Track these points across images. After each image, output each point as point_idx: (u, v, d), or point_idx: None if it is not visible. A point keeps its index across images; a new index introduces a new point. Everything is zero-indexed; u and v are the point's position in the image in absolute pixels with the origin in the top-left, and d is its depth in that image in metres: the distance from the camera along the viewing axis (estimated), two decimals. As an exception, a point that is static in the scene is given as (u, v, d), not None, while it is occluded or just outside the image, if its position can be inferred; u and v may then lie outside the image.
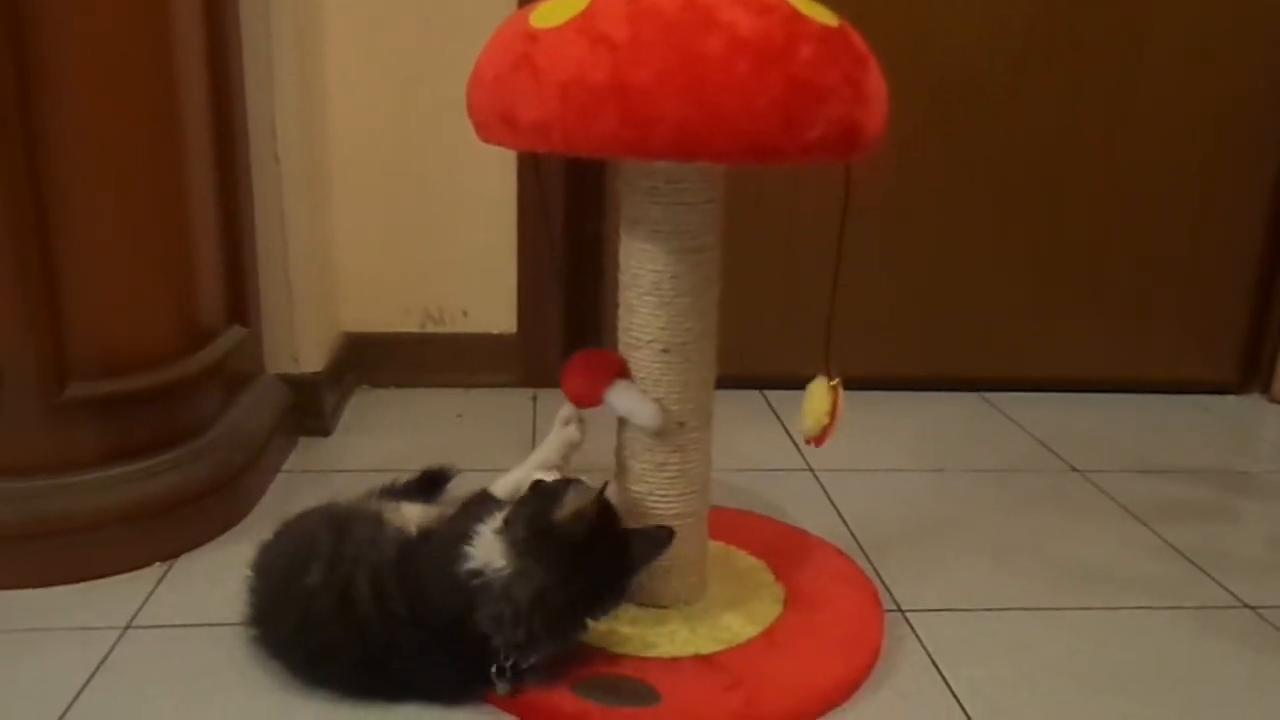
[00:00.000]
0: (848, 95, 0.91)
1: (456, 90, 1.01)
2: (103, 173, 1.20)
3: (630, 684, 1.01)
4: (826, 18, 0.93)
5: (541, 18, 0.92)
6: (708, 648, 1.08)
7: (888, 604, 1.23)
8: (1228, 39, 1.90)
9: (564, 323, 1.92)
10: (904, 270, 1.97)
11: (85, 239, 1.20)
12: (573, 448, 1.12)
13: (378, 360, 1.90)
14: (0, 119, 1.11)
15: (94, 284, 1.22)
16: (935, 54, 1.86)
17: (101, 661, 1.08)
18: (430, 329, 1.93)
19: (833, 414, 1.11)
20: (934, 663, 1.13)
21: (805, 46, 0.88)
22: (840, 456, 1.65)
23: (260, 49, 1.50)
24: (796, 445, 1.71)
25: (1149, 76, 1.91)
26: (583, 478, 1.05)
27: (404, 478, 1.30)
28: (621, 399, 1.07)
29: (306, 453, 1.63)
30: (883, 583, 1.28)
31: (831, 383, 1.11)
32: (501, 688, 0.99)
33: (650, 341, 1.06)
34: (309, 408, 1.67)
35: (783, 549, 1.30)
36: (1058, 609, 1.25)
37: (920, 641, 1.17)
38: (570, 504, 0.97)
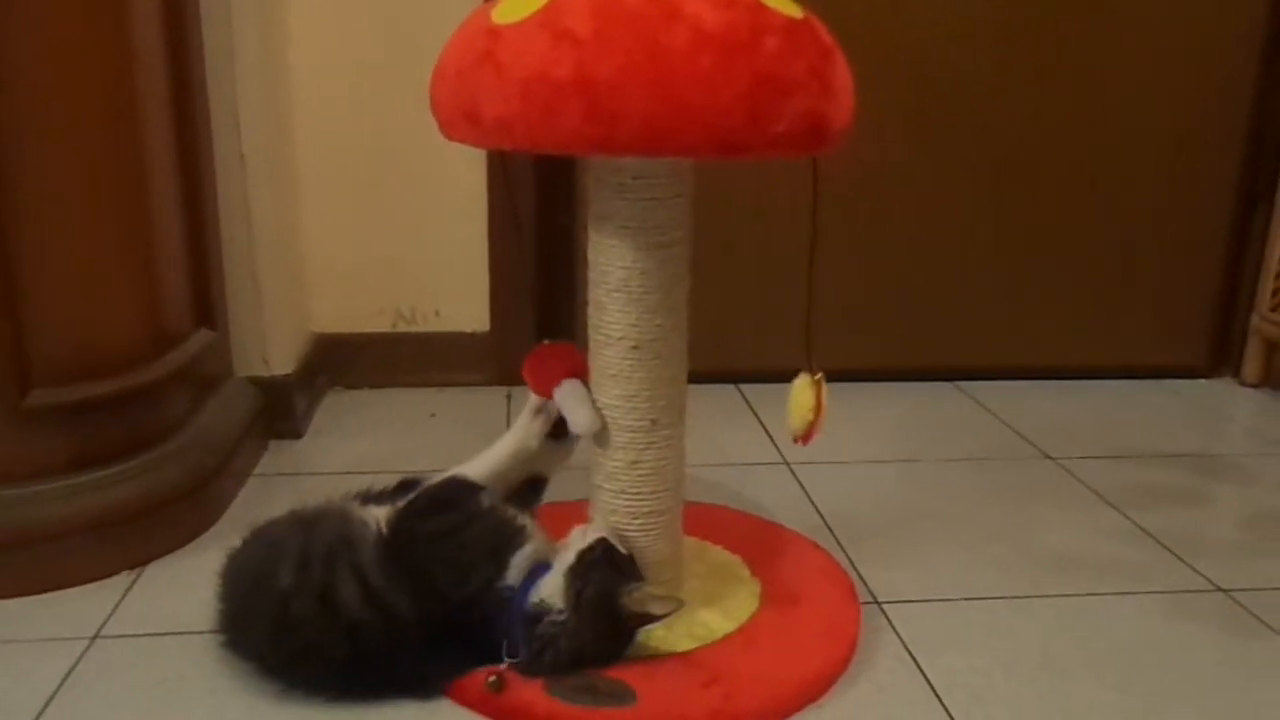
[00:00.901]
0: (814, 88, 0.90)
1: (424, 85, 0.99)
2: (62, 176, 1.18)
3: (606, 683, 1.01)
4: (791, 10, 0.92)
5: (504, 13, 0.91)
6: (684, 645, 1.08)
7: (864, 596, 1.23)
8: (1194, 34, 1.91)
9: (537, 320, 1.91)
10: (877, 261, 1.97)
11: (45, 243, 1.18)
12: (539, 438, 1.14)
13: (350, 361, 1.89)
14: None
15: (55, 289, 1.20)
16: (908, 47, 1.86)
17: (69, 672, 1.06)
18: (402, 329, 1.91)
19: (817, 410, 1.11)
20: (910, 654, 1.13)
21: (770, 39, 0.88)
22: (815, 449, 1.62)
23: (222, 47, 1.48)
24: (772, 439, 1.71)
25: (1117, 70, 1.92)
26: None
27: (378, 485, 1.28)
28: (565, 399, 1.07)
29: (278, 456, 1.61)
30: (859, 575, 1.28)
31: (815, 379, 1.11)
32: (494, 681, 1.00)
33: (620, 338, 1.05)
34: (280, 410, 1.65)
35: (759, 543, 1.30)
36: (1032, 597, 1.26)
37: (896, 633, 1.17)
38: (644, 604, 1.00)
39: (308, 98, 1.77)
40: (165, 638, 1.12)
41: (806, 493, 1.52)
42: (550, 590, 1.01)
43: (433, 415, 1.81)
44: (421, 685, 1.02)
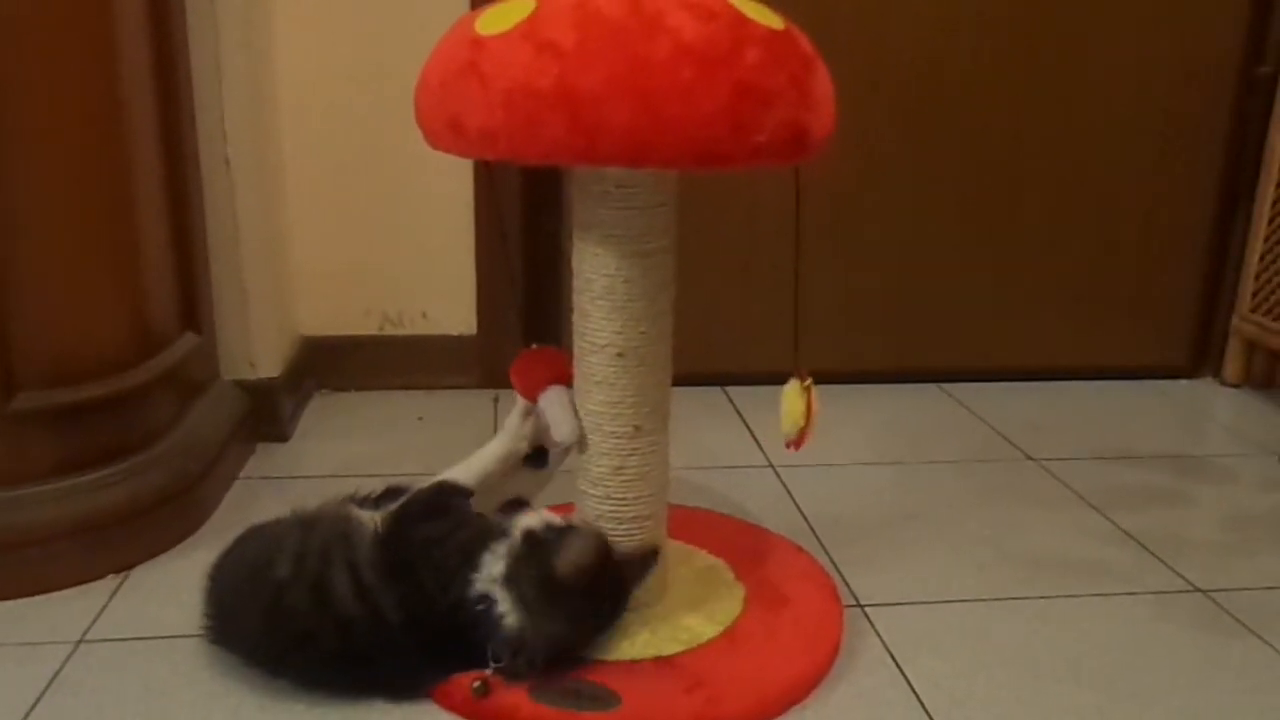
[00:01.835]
0: (794, 99, 0.91)
1: (409, 90, 1.00)
2: (46, 180, 1.18)
3: (589, 687, 1.02)
4: (772, 21, 0.93)
5: (487, 24, 0.91)
6: (668, 649, 1.09)
7: (847, 599, 1.24)
8: (1176, 37, 1.92)
9: (524, 323, 1.92)
10: (860, 263, 1.98)
11: (30, 247, 1.18)
12: (529, 441, 1.15)
13: (336, 364, 1.89)
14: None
15: (41, 293, 1.20)
16: (891, 53, 1.87)
17: (53, 677, 1.06)
18: (389, 331, 1.91)
19: (808, 415, 1.11)
20: (892, 657, 1.14)
21: (751, 51, 0.89)
22: (801, 452, 1.65)
23: (208, 52, 1.48)
24: (757, 442, 1.72)
25: (1099, 74, 1.93)
26: (574, 521, 1.07)
27: (364, 489, 1.28)
28: (549, 406, 1.08)
29: (265, 459, 1.61)
30: (842, 578, 1.29)
31: (805, 384, 1.11)
32: (479, 685, 1.01)
33: (605, 346, 1.06)
34: (266, 413, 1.65)
35: (743, 547, 1.31)
36: (1014, 599, 1.27)
37: (879, 636, 1.18)
38: (572, 558, 1.00)
39: (294, 102, 1.77)
40: (151, 642, 1.12)
41: (791, 495, 1.53)
42: (508, 610, 1.01)
43: (420, 418, 1.81)
44: (408, 686, 1.03)
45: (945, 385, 2.02)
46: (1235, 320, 2.05)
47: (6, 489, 1.20)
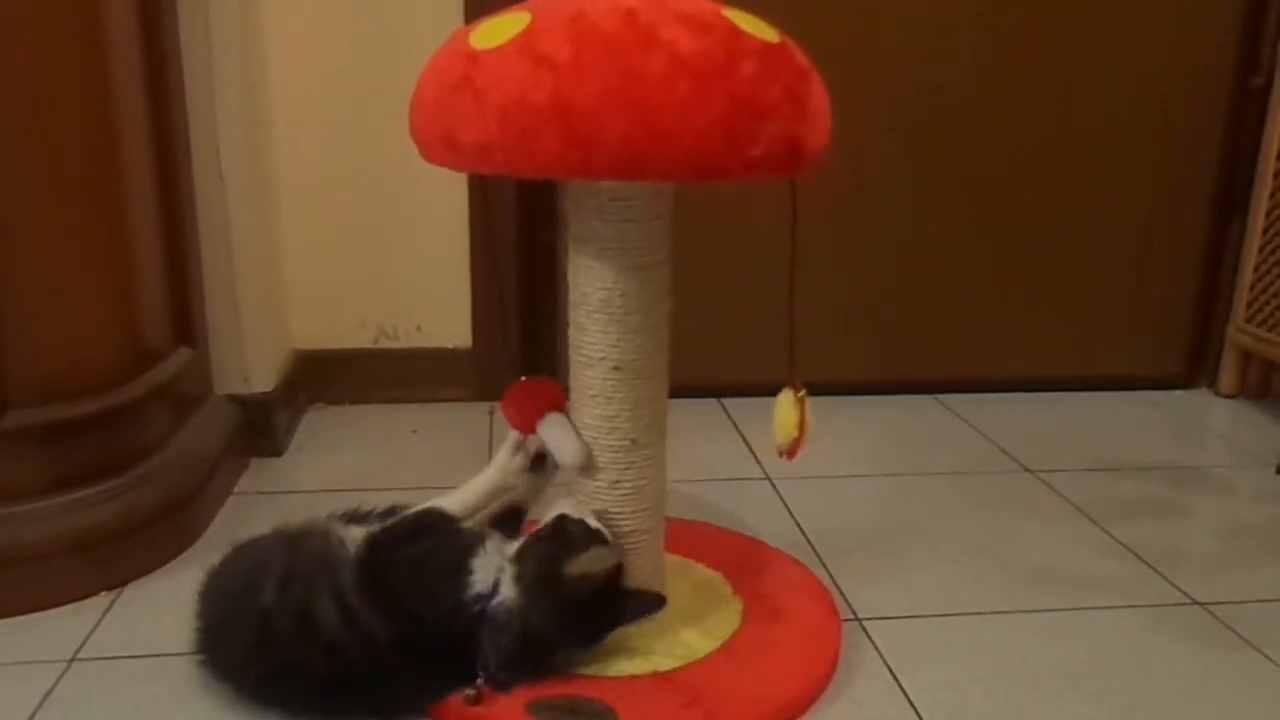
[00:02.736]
0: (790, 112, 0.91)
1: (403, 103, 1.00)
2: (39, 195, 1.18)
3: (586, 704, 1.01)
4: (767, 34, 0.93)
5: (481, 38, 0.91)
6: (665, 664, 1.08)
7: (845, 613, 1.24)
8: (1169, 46, 1.93)
9: (519, 336, 1.92)
10: (856, 274, 1.98)
11: (22, 263, 1.18)
12: (519, 474, 1.13)
13: (331, 377, 1.88)
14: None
15: (33, 308, 1.20)
16: (886, 64, 1.88)
17: (45, 696, 1.05)
18: (384, 344, 1.91)
19: (801, 426, 1.11)
20: (890, 670, 1.13)
21: (746, 64, 0.88)
22: (797, 464, 1.63)
23: (201, 67, 1.48)
24: (754, 454, 1.72)
25: (1094, 86, 1.94)
26: (603, 531, 1.06)
27: (365, 505, 1.28)
28: (550, 433, 1.07)
29: (259, 474, 1.61)
30: (839, 591, 1.29)
31: (798, 395, 1.11)
32: (472, 694, 1.00)
33: (601, 359, 1.05)
34: (260, 428, 1.65)
35: (740, 561, 1.30)
36: (1012, 612, 1.26)
37: (877, 649, 1.17)
38: (583, 565, 1.00)
39: (287, 116, 1.76)
40: (144, 660, 1.11)
41: (788, 508, 1.53)
42: (506, 584, 1.01)
43: (415, 431, 1.81)
44: (400, 708, 1.02)
45: (941, 397, 2.02)
46: (1230, 331, 2.05)
47: (-1, 506, 1.19)
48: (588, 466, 1.09)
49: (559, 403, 1.10)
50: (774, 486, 1.60)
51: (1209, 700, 1.10)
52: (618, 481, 1.09)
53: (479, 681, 1.01)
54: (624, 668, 1.07)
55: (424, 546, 1.05)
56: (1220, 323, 2.08)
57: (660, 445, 1.12)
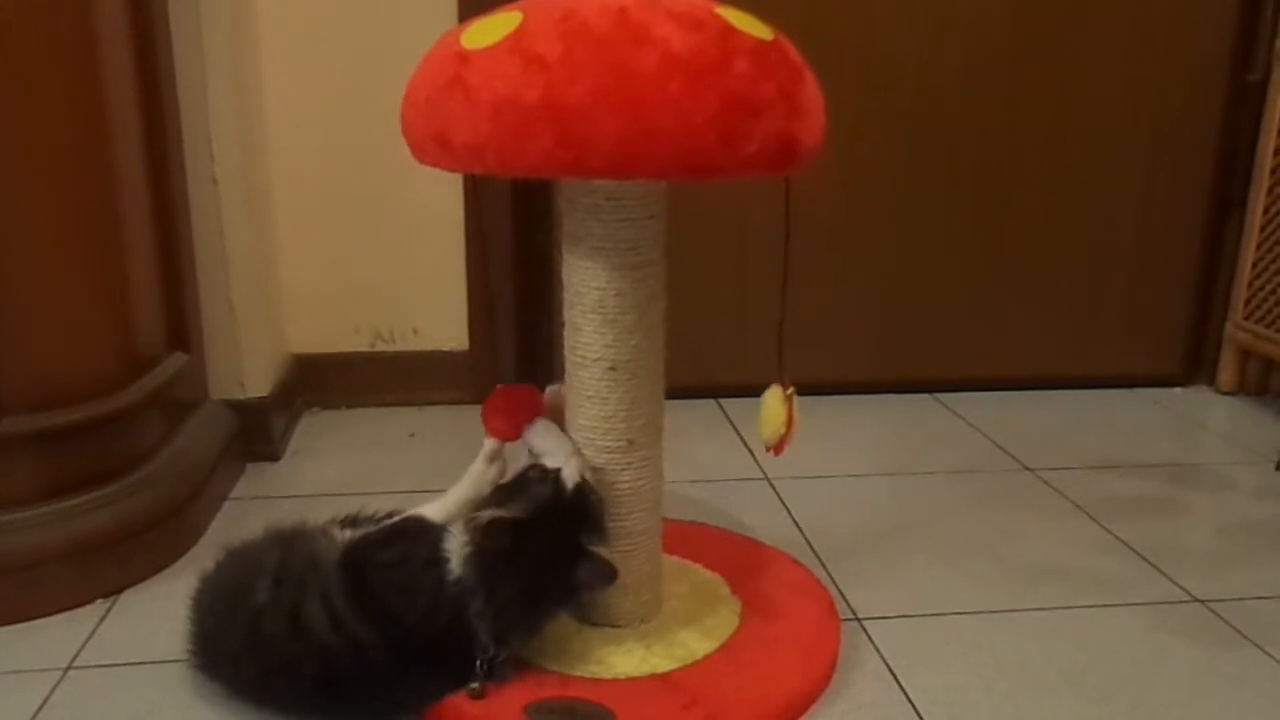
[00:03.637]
0: (783, 109, 0.90)
1: (397, 106, 0.99)
2: (30, 201, 1.17)
3: (585, 706, 1.00)
4: (760, 31, 0.92)
5: (472, 38, 0.90)
6: (664, 666, 1.07)
7: (844, 613, 1.23)
8: (1165, 44, 1.93)
9: (516, 338, 1.91)
10: (854, 274, 1.98)
11: (13, 269, 1.17)
12: (495, 484, 1.11)
13: (327, 381, 1.88)
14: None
15: (25, 315, 1.19)
16: (881, 62, 1.87)
17: (41, 705, 1.04)
18: (380, 348, 1.90)
19: (789, 422, 1.11)
20: (890, 670, 1.13)
21: (739, 61, 0.88)
22: (795, 463, 1.64)
23: (194, 70, 1.47)
24: (753, 454, 1.71)
25: (1090, 82, 1.93)
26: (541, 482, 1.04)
27: (367, 509, 1.24)
28: (541, 440, 1.06)
29: (255, 479, 1.60)
30: (839, 591, 1.28)
31: (786, 392, 1.11)
32: (476, 687, 1.00)
33: (596, 360, 1.05)
34: (256, 433, 1.64)
35: (739, 561, 1.30)
36: (1012, 610, 1.26)
37: (877, 649, 1.17)
38: (483, 517, 0.99)
39: (281, 119, 1.76)
40: (139, 667, 1.11)
41: (786, 508, 1.52)
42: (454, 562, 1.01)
43: (412, 435, 1.80)
44: (396, 710, 1.01)
45: (940, 396, 2.02)
46: (1229, 328, 2.05)
47: (-8, 514, 1.19)
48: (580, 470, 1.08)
49: (540, 408, 1.09)
50: (772, 487, 1.59)
51: (1210, 697, 1.10)
52: (614, 483, 1.08)
53: (479, 666, 1.00)
54: (622, 669, 1.06)
55: (401, 549, 1.04)
56: (1219, 320, 2.08)
57: (657, 446, 1.11)
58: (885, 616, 1.23)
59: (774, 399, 1.11)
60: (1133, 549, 1.42)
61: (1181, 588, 1.32)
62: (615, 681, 1.05)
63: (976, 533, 1.46)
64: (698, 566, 1.27)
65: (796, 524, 1.47)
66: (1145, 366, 2.11)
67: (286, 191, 1.79)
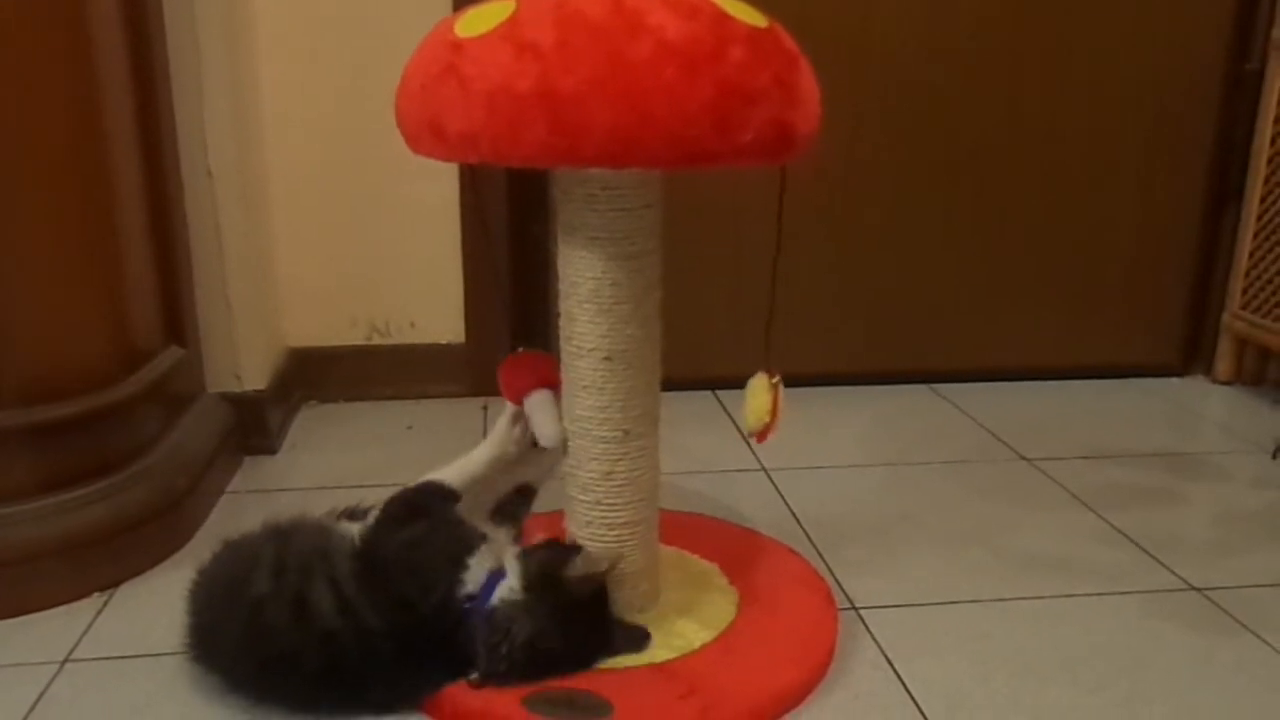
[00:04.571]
0: (779, 97, 0.90)
1: (393, 96, 0.99)
2: (24, 194, 1.17)
3: (582, 696, 1.00)
4: (755, 19, 0.92)
5: (466, 26, 0.90)
6: (661, 656, 1.07)
7: (841, 602, 1.23)
8: (1162, 33, 1.93)
9: (513, 330, 1.91)
10: (850, 265, 1.98)
11: (7, 261, 1.17)
12: (519, 444, 1.14)
13: (324, 375, 1.87)
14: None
15: (20, 309, 1.19)
16: (877, 51, 1.87)
17: (39, 698, 1.04)
18: (377, 341, 1.90)
19: (773, 410, 1.11)
20: (887, 660, 1.13)
21: (734, 49, 0.88)
22: (792, 454, 1.65)
23: (189, 62, 1.47)
24: (749, 445, 1.71)
25: (1087, 72, 1.93)
26: (585, 546, 1.09)
27: (365, 503, 1.24)
28: (534, 410, 1.08)
29: (252, 472, 1.60)
30: (836, 581, 1.28)
31: (772, 380, 1.11)
32: (475, 677, 1.01)
33: (592, 350, 1.05)
34: (253, 426, 1.64)
35: (736, 551, 1.30)
36: (1009, 599, 1.26)
37: (874, 639, 1.17)
38: (583, 565, 1.02)
39: (276, 111, 1.75)
40: (137, 660, 1.11)
41: (783, 498, 1.52)
42: (505, 586, 1.01)
43: (409, 427, 1.80)
44: (396, 700, 1.02)
45: (937, 386, 2.02)
46: (1226, 317, 2.05)
47: (-12, 508, 1.18)
48: (565, 447, 1.09)
49: (551, 377, 1.10)
50: (769, 477, 1.59)
51: (1207, 685, 1.10)
52: (611, 473, 1.08)
53: (473, 678, 1.00)
54: (620, 659, 1.06)
55: (421, 529, 1.05)
56: (1215, 309, 2.08)
57: (653, 436, 1.11)
58: (882, 606, 1.23)
59: (759, 387, 1.12)
60: (1129, 538, 1.42)
61: (1178, 576, 1.32)
62: (613, 671, 1.05)
63: (973, 522, 1.46)
64: (695, 557, 1.27)
65: (793, 514, 1.47)
66: (1142, 356, 2.11)
67: (282, 184, 1.79)
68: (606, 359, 1.05)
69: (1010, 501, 1.54)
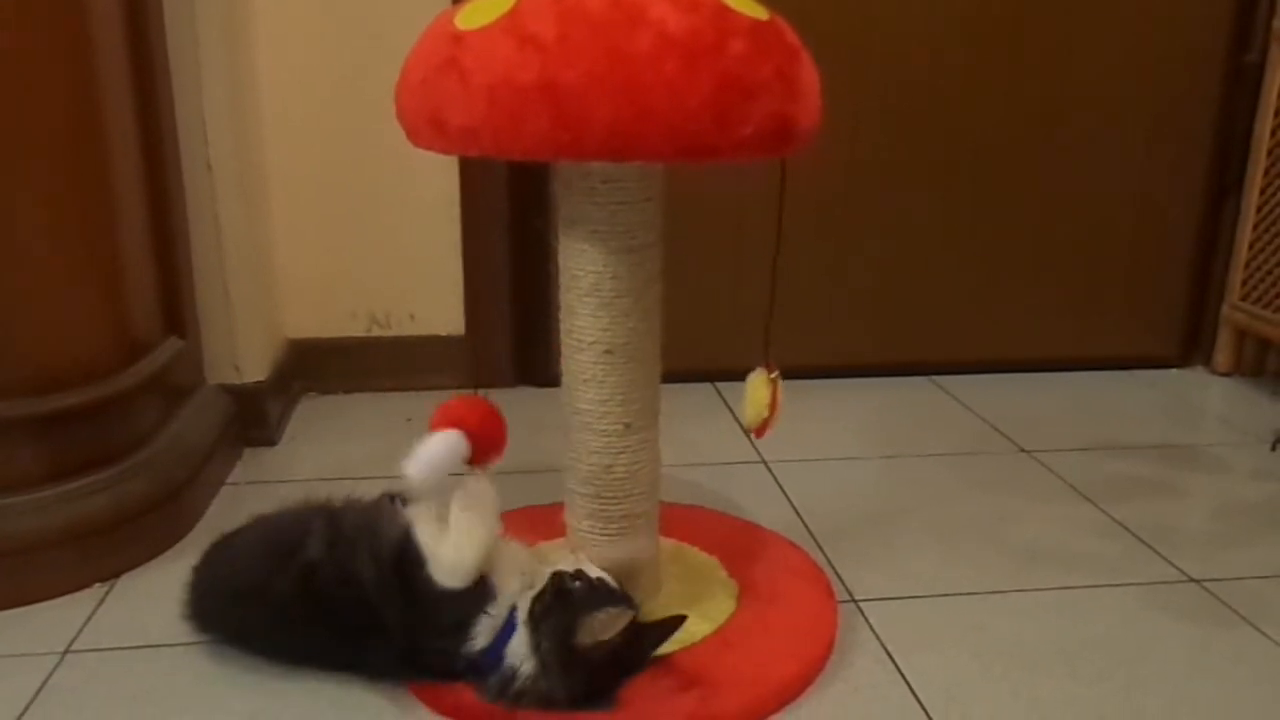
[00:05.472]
0: (780, 90, 0.90)
1: (393, 88, 0.98)
2: (24, 185, 1.17)
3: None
4: (756, 12, 0.92)
5: (467, 18, 0.90)
6: (662, 648, 1.07)
7: (841, 594, 1.23)
8: (1162, 28, 1.92)
9: (512, 322, 1.91)
10: (850, 257, 1.97)
11: (7, 253, 1.16)
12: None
13: (324, 366, 1.87)
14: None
15: (20, 300, 1.19)
16: (878, 45, 1.87)
17: (40, 687, 1.05)
18: (377, 333, 1.90)
19: (772, 405, 1.12)
20: (887, 652, 1.13)
21: (735, 42, 0.88)
22: (792, 446, 1.65)
23: (188, 54, 1.47)
24: (749, 437, 1.71)
25: (1087, 64, 1.93)
26: (606, 579, 1.01)
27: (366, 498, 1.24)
28: (428, 443, 1.06)
29: (252, 464, 1.60)
30: (835, 573, 1.29)
31: (771, 375, 1.11)
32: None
33: (593, 343, 1.05)
34: (253, 417, 1.64)
35: (736, 544, 1.30)
36: (1009, 592, 1.26)
37: (873, 631, 1.17)
38: (595, 632, 0.96)
39: (276, 103, 1.75)
40: (138, 651, 1.11)
41: (783, 491, 1.52)
42: (516, 650, 0.98)
43: (409, 420, 1.80)
44: (396, 674, 1.03)
45: (936, 378, 2.02)
46: (1225, 309, 2.05)
47: (-10, 499, 1.19)
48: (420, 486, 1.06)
49: (466, 422, 1.08)
50: (769, 470, 1.59)
51: (1206, 677, 1.10)
52: (611, 466, 1.08)
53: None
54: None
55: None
56: (1215, 301, 2.08)
57: (654, 429, 1.11)
58: (882, 598, 1.24)
59: (759, 382, 1.12)
60: (1129, 530, 1.42)
61: (1177, 568, 1.32)
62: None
63: (973, 514, 1.46)
64: (695, 549, 1.28)
65: (793, 507, 1.47)
66: (1142, 348, 2.11)
67: (282, 176, 1.79)
68: (607, 352, 1.05)
69: (1010, 493, 1.54)
